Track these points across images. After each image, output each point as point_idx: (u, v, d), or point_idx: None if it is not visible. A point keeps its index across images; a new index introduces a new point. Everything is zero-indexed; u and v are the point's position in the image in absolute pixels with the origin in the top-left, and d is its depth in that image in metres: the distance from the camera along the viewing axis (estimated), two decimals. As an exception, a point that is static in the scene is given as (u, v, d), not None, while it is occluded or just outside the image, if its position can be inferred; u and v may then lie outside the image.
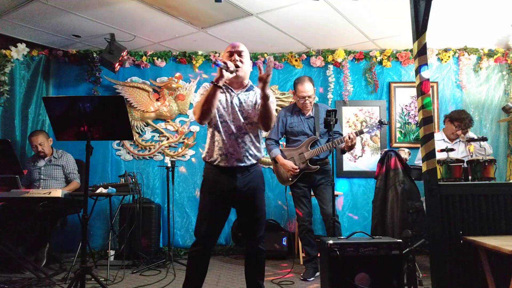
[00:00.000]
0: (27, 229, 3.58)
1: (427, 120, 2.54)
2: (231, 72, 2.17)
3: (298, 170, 3.38)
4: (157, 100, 4.75)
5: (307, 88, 3.40)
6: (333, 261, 2.28)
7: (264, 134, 4.72)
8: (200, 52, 4.74)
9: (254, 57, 4.76)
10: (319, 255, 3.05)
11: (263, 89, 2.14)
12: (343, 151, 3.39)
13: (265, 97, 2.15)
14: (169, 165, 4.04)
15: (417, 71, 2.58)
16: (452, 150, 2.93)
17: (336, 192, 3.57)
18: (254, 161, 2.31)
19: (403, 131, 4.73)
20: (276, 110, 4.70)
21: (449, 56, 4.68)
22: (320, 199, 3.41)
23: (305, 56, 4.77)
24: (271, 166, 4.67)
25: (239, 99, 2.31)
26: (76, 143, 4.21)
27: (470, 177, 2.82)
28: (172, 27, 4.07)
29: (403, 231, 2.55)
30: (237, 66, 2.23)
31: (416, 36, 2.59)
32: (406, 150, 3.47)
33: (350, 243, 2.33)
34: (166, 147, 4.76)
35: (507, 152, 4.61)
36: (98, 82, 4.72)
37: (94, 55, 4.65)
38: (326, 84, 4.73)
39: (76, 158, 4.19)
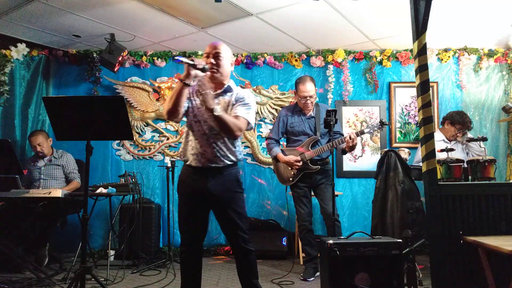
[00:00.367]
0: (27, 229, 3.57)
1: (427, 120, 2.54)
2: (202, 70, 2.10)
3: (301, 163, 3.38)
4: (157, 100, 4.75)
5: (309, 88, 3.39)
6: (333, 261, 2.28)
7: (264, 133, 4.78)
8: (200, 52, 4.73)
9: (254, 57, 4.76)
10: (319, 255, 3.05)
11: (202, 103, 2.14)
12: (344, 152, 3.38)
13: (209, 110, 2.11)
14: (169, 165, 4.04)
15: (417, 71, 2.58)
16: (452, 150, 2.93)
17: (336, 192, 3.57)
18: (228, 163, 2.25)
19: (403, 131, 4.73)
20: (276, 110, 4.75)
21: (449, 56, 4.68)
22: (321, 198, 3.41)
23: (305, 56, 4.77)
24: (271, 166, 4.69)
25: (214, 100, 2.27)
26: (76, 143, 4.21)
27: (470, 177, 2.81)
28: (172, 27, 4.07)
29: (403, 231, 2.55)
30: (212, 68, 2.19)
31: (416, 36, 2.59)
32: (406, 150, 3.47)
33: (350, 243, 2.33)
34: (166, 147, 4.77)
35: (507, 152, 4.61)
36: (98, 82, 4.72)
37: (94, 55, 4.65)
38: (326, 84, 4.73)
39: (76, 158, 4.19)
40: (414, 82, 2.70)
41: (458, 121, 3.77)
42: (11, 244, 3.39)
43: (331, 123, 3.00)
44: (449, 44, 4.65)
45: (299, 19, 3.87)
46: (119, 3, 3.53)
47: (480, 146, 3.70)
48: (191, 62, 2.04)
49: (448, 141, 3.86)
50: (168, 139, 4.77)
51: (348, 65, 4.76)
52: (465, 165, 2.87)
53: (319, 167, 3.39)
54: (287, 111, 3.60)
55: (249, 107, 2.25)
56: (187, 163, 2.27)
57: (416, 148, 4.10)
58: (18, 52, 4.43)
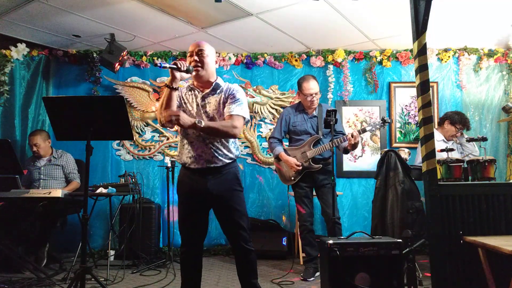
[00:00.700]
0: (27, 229, 3.58)
1: (427, 120, 2.54)
2: (187, 72, 2.11)
3: (300, 167, 3.38)
4: (157, 100, 4.75)
5: (313, 85, 3.41)
6: (333, 261, 2.28)
7: (264, 133, 4.78)
8: (200, 52, 4.73)
9: (254, 57, 4.76)
10: (319, 255, 3.05)
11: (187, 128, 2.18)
12: (346, 151, 3.37)
13: (193, 128, 2.14)
14: (169, 165, 4.04)
15: (417, 71, 2.58)
16: (452, 150, 2.93)
17: (336, 192, 3.57)
18: (227, 161, 2.26)
19: (403, 131, 4.73)
20: (276, 110, 4.75)
21: (449, 56, 4.68)
22: (323, 201, 3.39)
23: (305, 56, 4.77)
24: (271, 166, 4.69)
25: (204, 100, 2.27)
26: (76, 143, 4.21)
27: (470, 177, 2.81)
28: (172, 27, 4.07)
29: (403, 231, 2.55)
30: (196, 66, 2.19)
31: (416, 36, 2.59)
32: (406, 150, 3.47)
33: (350, 243, 2.33)
34: (166, 147, 4.76)
35: (507, 152, 4.61)
36: (98, 82, 4.72)
37: (94, 55, 4.65)
38: (326, 84, 4.73)
39: (76, 158, 4.19)
40: (414, 82, 2.70)
41: (459, 121, 3.77)
42: (11, 244, 3.39)
43: (331, 123, 3.00)
44: (449, 44, 4.65)
45: (299, 19, 3.87)
46: (119, 3, 3.53)
47: (474, 146, 3.71)
48: (174, 66, 2.06)
49: (446, 141, 3.86)
50: (168, 139, 4.77)
51: (348, 65, 4.76)
52: (465, 165, 2.87)
53: (321, 165, 3.39)
54: (290, 110, 3.61)
55: (240, 103, 2.24)
56: (186, 165, 2.27)
57: (416, 148, 4.10)
58: (18, 52, 4.43)
